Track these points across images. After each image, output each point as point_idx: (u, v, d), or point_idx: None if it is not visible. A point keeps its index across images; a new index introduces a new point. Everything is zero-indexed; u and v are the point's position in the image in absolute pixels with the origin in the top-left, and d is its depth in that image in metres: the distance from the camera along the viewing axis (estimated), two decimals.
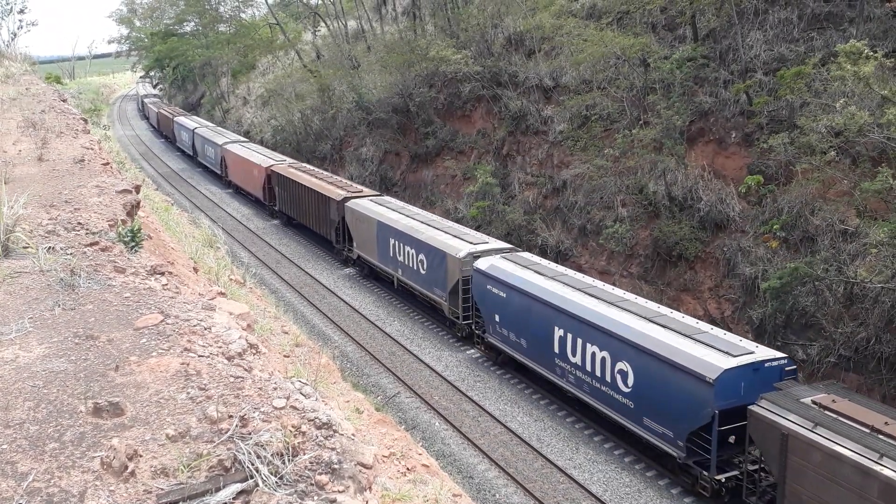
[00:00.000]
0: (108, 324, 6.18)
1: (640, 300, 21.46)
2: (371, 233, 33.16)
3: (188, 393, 4.97)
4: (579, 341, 20.99)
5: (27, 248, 8.01)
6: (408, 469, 12.93)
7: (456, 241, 27.96)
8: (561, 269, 24.63)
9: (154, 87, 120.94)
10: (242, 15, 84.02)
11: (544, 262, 25.34)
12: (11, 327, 6.03)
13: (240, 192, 53.69)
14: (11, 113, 19.11)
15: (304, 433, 4.47)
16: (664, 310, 20.53)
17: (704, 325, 19.39)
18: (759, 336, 23.13)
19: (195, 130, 65.19)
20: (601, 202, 31.34)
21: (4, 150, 14.27)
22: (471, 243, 27.60)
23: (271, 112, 64.68)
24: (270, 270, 37.30)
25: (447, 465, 19.57)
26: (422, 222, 30.74)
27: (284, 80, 63.30)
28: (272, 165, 45.96)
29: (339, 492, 4.13)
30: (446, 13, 45.55)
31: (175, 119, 74.73)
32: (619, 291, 22.32)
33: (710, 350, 17.63)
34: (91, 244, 8.33)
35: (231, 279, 20.36)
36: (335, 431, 4.59)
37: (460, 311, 27.16)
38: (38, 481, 4.07)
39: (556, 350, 21.90)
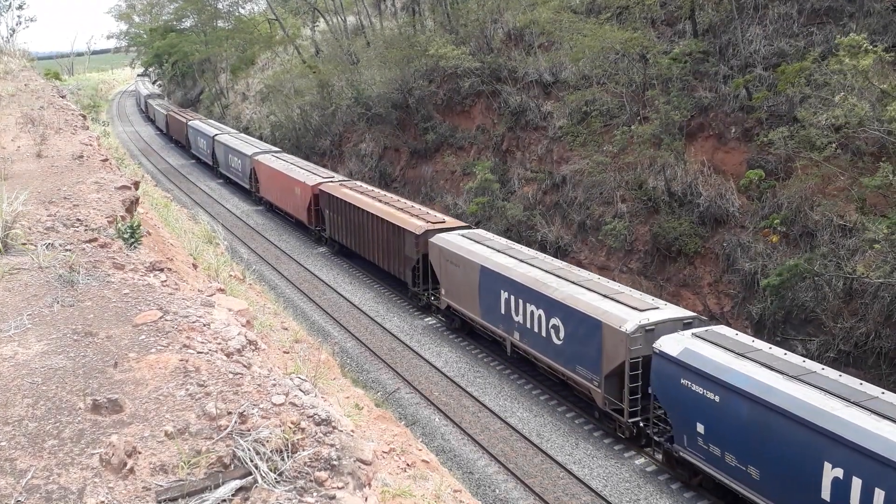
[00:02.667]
0: (107, 320, 6.17)
1: None
2: (470, 279, 25.86)
3: (187, 390, 4.97)
4: None
5: (26, 244, 8.00)
6: (408, 465, 12.95)
7: (613, 305, 20.44)
8: (794, 357, 16.94)
9: (153, 83, 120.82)
10: (241, 10, 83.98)
11: (762, 344, 17.83)
12: (10, 324, 6.03)
13: (274, 211, 46.95)
14: (10, 109, 19.08)
15: (303, 430, 4.47)
16: None
17: None
18: (759, 331, 23.16)
19: (215, 137, 57.91)
20: (601, 198, 31.35)
21: (3, 146, 14.25)
22: (636, 309, 19.97)
23: (270, 108, 64.63)
24: (270, 266, 37.30)
25: (447, 461, 19.60)
26: (548, 272, 23.31)
27: (283, 75, 63.19)
28: (320, 184, 38.78)
29: (339, 488, 4.13)
30: (445, 8, 45.49)
31: (189, 123, 67.07)
32: None
33: None
34: (90, 240, 8.33)
35: (231, 275, 20.37)
36: (334, 428, 4.59)
37: (626, 405, 19.66)
38: (36, 478, 4.07)
39: (829, 500, 14.56)
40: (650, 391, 18.92)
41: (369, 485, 4.39)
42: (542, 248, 31.11)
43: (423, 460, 13.54)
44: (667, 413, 18.65)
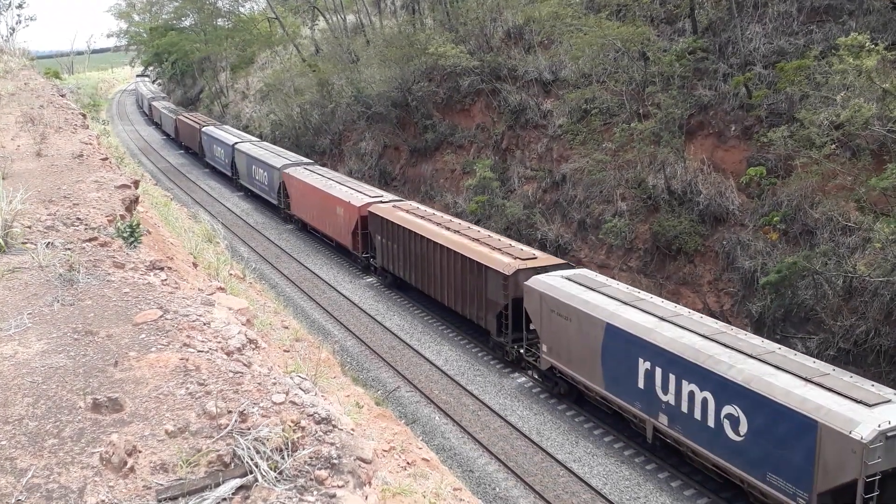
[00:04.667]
0: (107, 319, 6.17)
1: None
2: (589, 339, 20.66)
3: (187, 388, 4.97)
4: None
5: (26, 243, 8.00)
6: (408, 463, 12.94)
7: (827, 395, 15.18)
8: None
9: (153, 82, 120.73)
10: (241, 9, 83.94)
11: None
12: (10, 323, 6.03)
13: (307, 230, 41.99)
14: (10, 108, 19.06)
15: (303, 428, 4.47)
16: None
17: None
18: (759, 329, 23.15)
19: (235, 146, 52.99)
20: (600, 196, 31.35)
21: (3, 145, 14.24)
22: (863, 403, 14.77)
23: (270, 107, 64.60)
24: (270, 265, 37.29)
25: (447, 459, 19.61)
26: (707, 337, 18.15)
27: (283, 74, 63.16)
28: (369, 205, 33.79)
29: (339, 487, 4.13)
30: (445, 7, 45.48)
31: (203, 129, 62.19)
32: None
33: None
34: (90, 239, 8.32)
35: (231, 274, 20.36)
36: (334, 426, 4.59)
37: None
38: (37, 477, 4.07)
39: None
40: None
41: (369, 483, 4.39)
42: (542, 246, 31.11)
43: (423, 458, 13.54)
44: None
